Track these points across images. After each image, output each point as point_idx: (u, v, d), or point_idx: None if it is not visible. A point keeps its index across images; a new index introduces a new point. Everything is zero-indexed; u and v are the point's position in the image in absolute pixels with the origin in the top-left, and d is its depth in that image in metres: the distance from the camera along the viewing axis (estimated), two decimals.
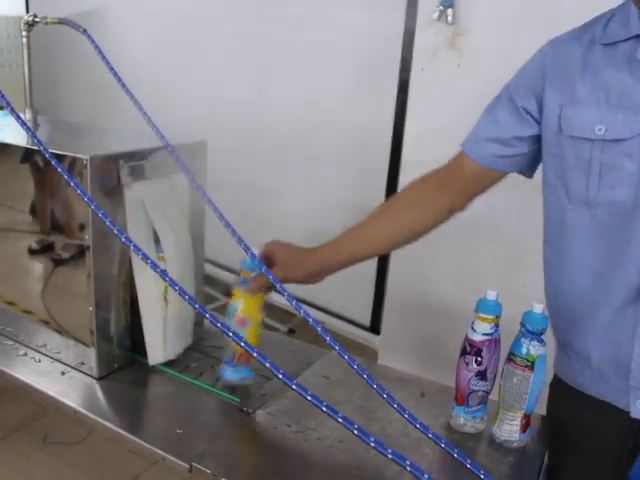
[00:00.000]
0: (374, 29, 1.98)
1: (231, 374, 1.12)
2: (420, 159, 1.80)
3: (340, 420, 0.62)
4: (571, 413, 1.10)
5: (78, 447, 2.12)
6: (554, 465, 1.12)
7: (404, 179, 1.85)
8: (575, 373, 1.07)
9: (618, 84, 0.90)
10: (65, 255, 1.22)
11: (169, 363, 1.23)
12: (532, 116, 1.01)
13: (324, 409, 0.63)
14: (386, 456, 0.61)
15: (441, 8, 1.66)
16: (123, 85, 1.27)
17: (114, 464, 2.06)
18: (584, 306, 1.00)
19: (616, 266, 0.94)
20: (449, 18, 1.66)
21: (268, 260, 1.07)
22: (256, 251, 1.06)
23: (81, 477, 2.05)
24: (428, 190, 1.11)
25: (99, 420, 1.06)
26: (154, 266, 0.76)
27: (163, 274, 0.75)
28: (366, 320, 2.25)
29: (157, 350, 1.21)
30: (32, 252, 1.29)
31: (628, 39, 0.90)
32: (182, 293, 0.72)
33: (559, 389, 1.10)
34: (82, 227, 1.13)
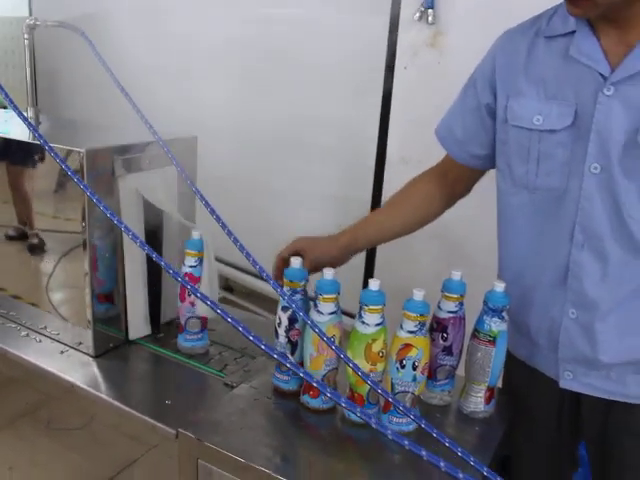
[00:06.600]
0: (360, 30, 2.06)
1: None
2: (403, 154, 1.88)
3: (315, 384, 0.65)
4: (518, 382, 1.18)
5: (80, 432, 2.20)
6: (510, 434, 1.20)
7: (389, 174, 1.93)
8: (517, 344, 1.15)
9: (554, 77, 0.98)
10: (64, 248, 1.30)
11: (162, 344, 1.31)
12: (494, 111, 1.09)
13: (301, 374, 0.66)
14: (370, 425, 0.61)
15: (422, 9, 1.74)
16: (118, 84, 1.35)
17: (113, 448, 2.13)
18: (525, 281, 1.09)
19: (549, 246, 1.03)
20: (429, 18, 1.74)
21: (298, 254, 1.15)
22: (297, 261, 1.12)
23: (82, 460, 2.13)
24: (431, 182, 1.24)
25: (95, 393, 1.14)
26: (151, 251, 0.82)
27: (158, 258, 0.80)
28: (354, 309, 2.31)
29: (137, 326, 1.32)
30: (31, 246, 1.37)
31: (566, 34, 0.97)
32: (194, 291, 0.74)
33: (508, 359, 1.17)
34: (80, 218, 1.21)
